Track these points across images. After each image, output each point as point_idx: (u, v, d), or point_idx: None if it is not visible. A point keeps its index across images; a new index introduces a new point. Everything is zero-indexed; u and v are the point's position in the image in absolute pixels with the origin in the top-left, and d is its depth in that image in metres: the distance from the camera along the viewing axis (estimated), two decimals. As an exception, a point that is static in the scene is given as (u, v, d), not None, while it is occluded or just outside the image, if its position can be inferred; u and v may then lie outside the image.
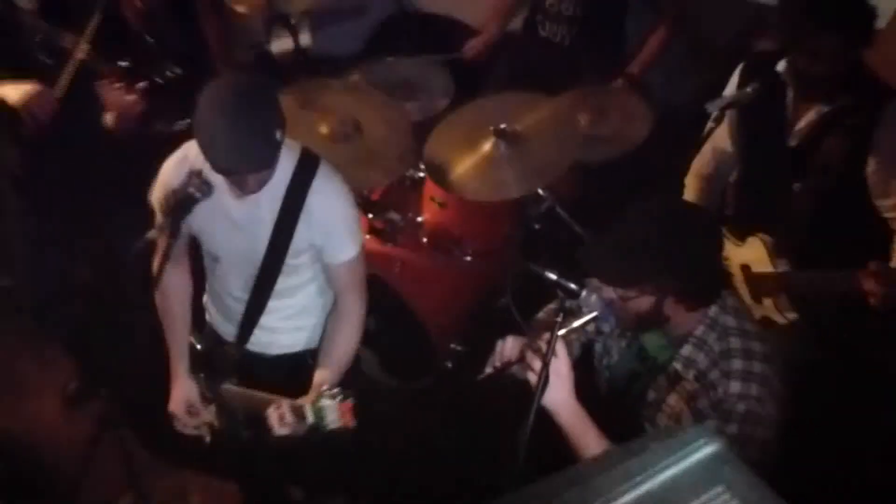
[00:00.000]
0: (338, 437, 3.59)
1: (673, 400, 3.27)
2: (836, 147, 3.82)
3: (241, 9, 5.17)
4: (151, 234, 3.41)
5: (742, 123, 4.13)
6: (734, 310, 3.23)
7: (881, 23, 4.10)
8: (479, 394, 4.53)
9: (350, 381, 3.83)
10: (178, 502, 4.64)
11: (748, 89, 3.90)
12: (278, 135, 3.19)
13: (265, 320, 3.85)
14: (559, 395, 3.17)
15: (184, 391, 3.88)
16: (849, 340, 4.07)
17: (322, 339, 3.88)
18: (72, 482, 4.48)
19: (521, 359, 3.30)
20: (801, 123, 3.94)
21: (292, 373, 3.85)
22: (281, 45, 5.87)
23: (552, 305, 3.69)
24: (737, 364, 3.13)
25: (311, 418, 3.48)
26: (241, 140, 3.11)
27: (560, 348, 3.17)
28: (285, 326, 3.92)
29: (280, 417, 3.55)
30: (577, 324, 3.33)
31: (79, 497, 4.47)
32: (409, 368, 4.80)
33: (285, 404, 3.55)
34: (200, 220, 3.56)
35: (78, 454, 4.51)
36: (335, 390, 3.48)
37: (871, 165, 3.79)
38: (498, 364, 3.39)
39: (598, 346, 3.63)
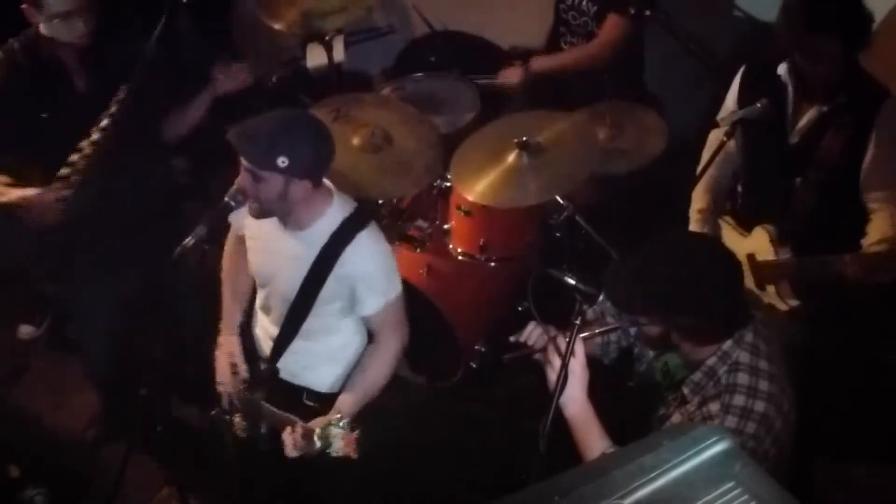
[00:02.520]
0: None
1: (676, 419, 3.27)
2: (834, 144, 3.87)
3: (277, 26, 5.19)
4: (188, 240, 3.55)
5: (747, 132, 4.14)
6: (751, 346, 3.19)
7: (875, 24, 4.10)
8: (501, 391, 4.55)
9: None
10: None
11: (758, 105, 3.92)
12: (280, 160, 3.37)
13: (292, 354, 3.90)
14: (571, 391, 3.21)
15: (228, 344, 4.00)
16: (848, 328, 4.07)
17: (351, 372, 3.93)
18: (115, 476, 4.50)
19: (543, 350, 3.33)
20: (802, 122, 3.99)
21: (315, 404, 3.89)
22: (316, 59, 5.86)
23: (595, 306, 3.67)
24: (739, 400, 3.11)
25: (318, 443, 3.53)
26: (255, 128, 3.43)
27: (578, 348, 3.22)
28: (310, 366, 3.97)
29: (294, 441, 3.62)
30: (597, 331, 3.39)
31: (122, 490, 4.49)
32: (436, 368, 4.80)
33: (299, 428, 3.61)
34: (254, 237, 3.77)
35: (120, 451, 4.56)
36: (345, 421, 3.52)
37: (866, 161, 3.84)
38: (522, 342, 3.46)
39: (636, 352, 3.64)
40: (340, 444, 3.50)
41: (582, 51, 5.10)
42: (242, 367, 3.95)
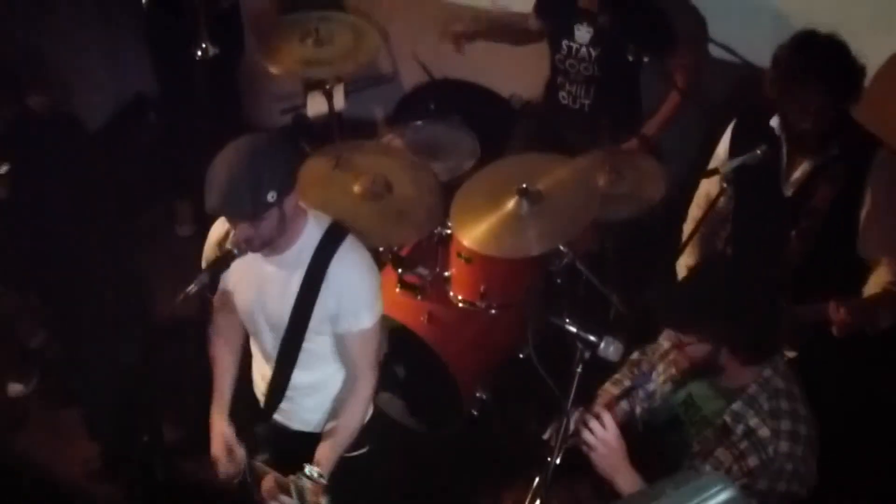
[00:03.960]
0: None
1: (721, 454, 3.23)
2: (827, 195, 3.88)
3: (275, 70, 5.21)
4: (191, 287, 3.42)
5: (739, 176, 4.13)
6: (784, 375, 3.23)
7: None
8: (502, 439, 4.53)
9: (376, 429, 3.85)
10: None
11: (758, 151, 3.93)
12: (269, 196, 3.23)
13: (292, 392, 3.84)
14: (612, 463, 3.18)
15: (220, 430, 3.85)
16: (843, 373, 4.09)
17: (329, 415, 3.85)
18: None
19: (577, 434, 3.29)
20: (797, 174, 4.01)
21: (310, 450, 3.76)
22: (316, 107, 5.88)
23: (617, 376, 3.68)
24: (786, 425, 3.13)
25: (294, 495, 3.53)
26: (228, 186, 3.19)
27: (608, 420, 3.20)
28: (310, 399, 3.90)
29: (268, 491, 3.63)
30: (617, 394, 3.48)
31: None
32: (435, 415, 4.78)
33: (272, 479, 3.61)
34: (236, 280, 3.61)
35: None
36: (315, 471, 3.51)
37: (863, 213, 3.87)
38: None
39: (642, 393, 3.62)
40: (312, 495, 3.50)
41: (673, 101, 5.09)
42: (237, 450, 3.84)
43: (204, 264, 3.63)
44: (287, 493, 3.55)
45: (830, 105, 3.76)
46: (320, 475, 3.49)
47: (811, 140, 3.90)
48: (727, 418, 3.21)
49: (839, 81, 3.73)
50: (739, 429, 3.18)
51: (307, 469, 3.51)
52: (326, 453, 3.63)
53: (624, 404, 3.56)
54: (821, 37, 3.80)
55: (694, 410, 3.38)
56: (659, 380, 3.53)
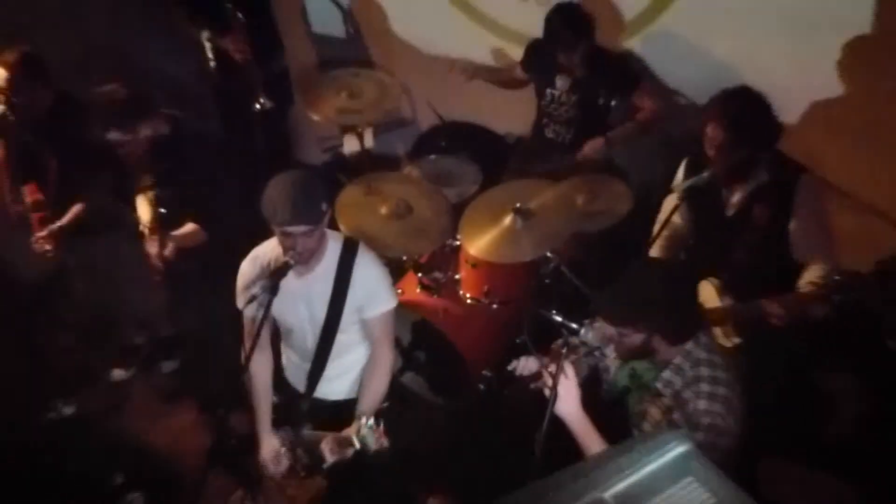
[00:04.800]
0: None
1: (654, 412, 3.33)
2: (763, 213, 3.92)
3: (315, 117, 5.22)
4: (257, 291, 3.53)
5: (692, 205, 4.20)
6: (706, 345, 3.27)
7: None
8: (504, 409, 4.52)
9: (401, 403, 3.89)
10: (276, 493, 4.62)
11: (705, 174, 3.93)
12: (324, 206, 3.47)
13: (330, 373, 3.92)
14: (569, 407, 3.26)
15: (269, 444, 3.95)
16: (780, 357, 4.06)
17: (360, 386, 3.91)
18: (198, 481, 4.49)
19: (539, 377, 3.36)
20: (735, 198, 4.03)
21: (348, 413, 3.83)
22: (351, 146, 5.89)
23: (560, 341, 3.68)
24: (704, 387, 3.19)
25: (357, 445, 3.60)
26: (295, 201, 3.36)
27: (569, 370, 3.28)
28: (342, 377, 3.97)
29: (330, 450, 3.65)
30: (581, 353, 3.49)
31: (203, 493, 4.47)
32: (450, 390, 4.76)
33: (332, 438, 3.65)
34: (278, 301, 3.59)
35: (201, 460, 4.54)
36: (371, 420, 3.59)
37: (793, 226, 3.88)
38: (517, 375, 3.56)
39: (601, 366, 3.66)
40: (374, 437, 3.59)
41: (632, 125, 5.07)
42: (283, 459, 3.92)
43: (239, 293, 3.82)
44: (349, 445, 3.61)
45: (741, 147, 3.81)
46: (377, 421, 3.58)
47: (731, 175, 3.94)
48: (659, 385, 3.29)
49: (749, 130, 3.79)
50: (668, 392, 3.27)
51: (363, 420, 3.61)
52: (366, 409, 3.72)
53: (582, 367, 3.62)
54: (737, 95, 3.87)
55: (637, 381, 3.42)
56: (612, 358, 3.58)
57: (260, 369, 3.96)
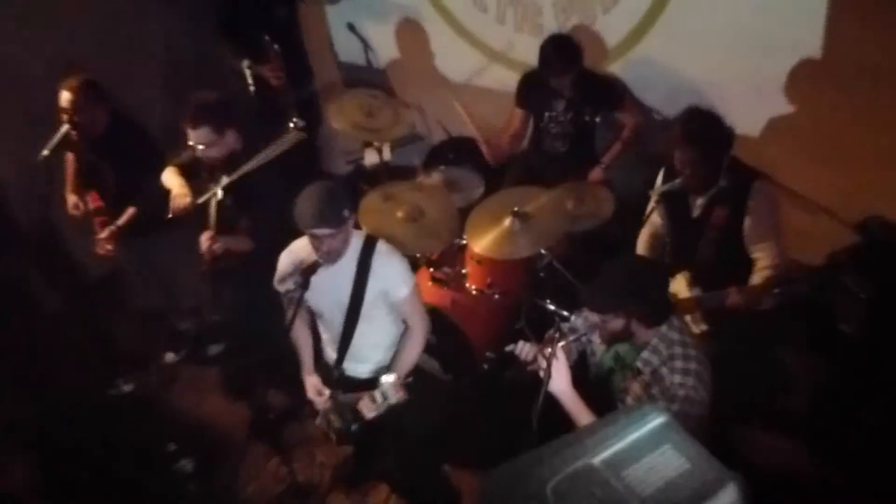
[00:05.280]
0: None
1: (635, 388, 3.34)
2: (722, 215, 3.96)
3: (336, 125, 5.22)
4: (291, 284, 3.79)
5: (666, 208, 4.21)
6: (678, 328, 3.30)
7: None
8: (505, 385, 4.52)
9: (418, 379, 3.93)
10: (307, 459, 4.64)
11: (677, 181, 3.96)
12: (345, 212, 3.55)
13: (355, 351, 3.97)
14: (560, 385, 3.28)
15: (311, 383, 4.01)
16: (743, 336, 4.06)
17: (395, 352, 3.99)
18: (239, 450, 4.52)
19: (535, 360, 3.37)
20: (699, 202, 4.06)
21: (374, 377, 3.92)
22: (371, 158, 5.89)
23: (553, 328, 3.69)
24: (678, 364, 3.22)
25: (379, 399, 3.68)
26: (320, 209, 3.50)
27: (560, 354, 3.30)
28: (367, 357, 4.03)
29: (366, 406, 3.73)
30: (571, 338, 3.44)
31: (245, 461, 4.50)
32: (458, 368, 4.76)
33: (367, 396, 3.72)
34: (313, 288, 3.70)
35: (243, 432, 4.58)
36: (392, 377, 3.68)
37: (746, 225, 3.91)
38: (515, 356, 3.52)
39: (588, 350, 3.65)
40: (393, 390, 3.69)
41: (618, 145, 5.08)
42: (324, 391, 3.98)
43: (278, 281, 3.92)
44: (375, 400, 3.71)
45: (700, 161, 3.86)
46: (396, 378, 3.70)
47: (695, 183, 3.96)
48: (639, 364, 3.31)
49: (705, 147, 3.84)
50: (647, 369, 3.28)
51: (383, 378, 3.73)
52: (396, 369, 3.84)
53: (572, 351, 3.62)
54: (697, 114, 3.92)
55: (620, 361, 3.43)
56: (598, 342, 3.56)
57: (300, 331, 4.08)
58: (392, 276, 3.79)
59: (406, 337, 3.97)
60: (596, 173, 5.01)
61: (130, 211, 4.81)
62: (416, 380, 3.93)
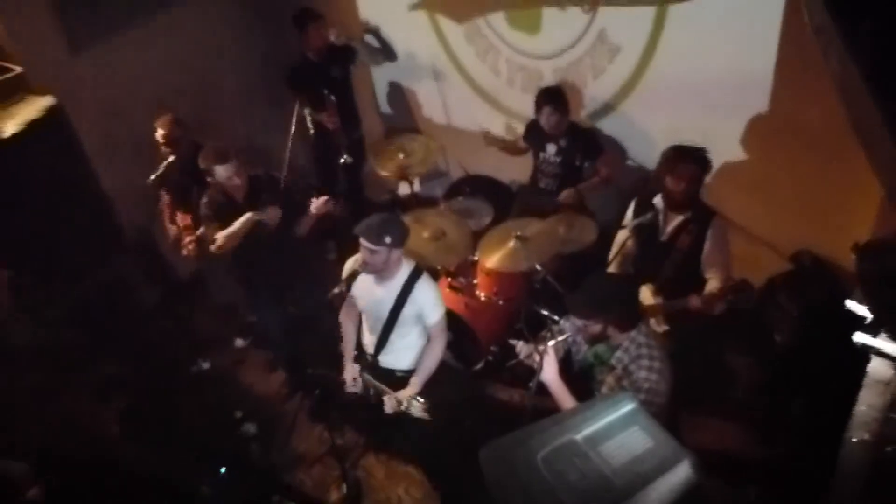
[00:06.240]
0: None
1: (610, 380, 3.33)
2: (685, 241, 3.96)
3: (383, 173, 5.21)
4: (337, 289, 3.72)
5: (638, 234, 4.19)
6: (645, 333, 3.28)
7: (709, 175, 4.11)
8: (506, 373, 4.50)
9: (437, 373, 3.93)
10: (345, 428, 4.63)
11: (649, 215, 4.00)
12: (388, 239, 3.56)
13: (388, 350, 3.96)
14: (550, 375, 3.29)
15: (349, 370, 4.01)
16: (697, 339, 4.06)
17: (418, 360, 3.96)
18: (292, 420, 4.51)
19: (530, 355, 3.41)
20: (668, 228, 4.06)
21: (403, 380, 3.91)
22: (404, 189, 5.89)
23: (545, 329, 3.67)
24: (644, 362, 3.21)
25: (405, 407, 3.73)
26: (374, 229, 3.57)
27: (551, 350, 3.28)
28: (399, 355, 3.99)
29: (389, 404, 3.79)
30: (560, 338, 3.45)
31: (295, 428, 4.49)
32: (469, 359, 4.73)
33: (392, 397, 3.77)
34: (359, 292, 3.83)
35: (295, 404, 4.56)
36: (420, 399, 3.75)
37: (705, 250, 3.92)
38: (520, 357, 3.55)
39: (573, 349, 3.62)
40: (418, 410, 3.70)
41: (595, 180, 4.99)
42: (359, 379, 4.00)
43: (343, 279, 3.83)
44: (400, 405, 3.77)
45: (691, 177, 3.87)
46: (424, 401, 3.75)
47: (682, 199, 3.94)
48: (613, 361, 3.30)
49: (696, 165, 3.85)
50: (619, 366, 3.27)
51: (414, 397, 3.76)
52: (419, 381, 3.84)
53: (560, 349, 3.57)
54: (687, 145, 3.93)
55: (599, 358, 3.40)
56: (581, 342, 3.53)
57: (347, 324, 4.10)
58: (428, 304, 3.80)
59: (428, 349, 3.94)
60: (567, 194, 4.93)
61: (203, 227, 4.81)
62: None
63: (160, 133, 4.66)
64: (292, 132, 4.86)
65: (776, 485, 3.92)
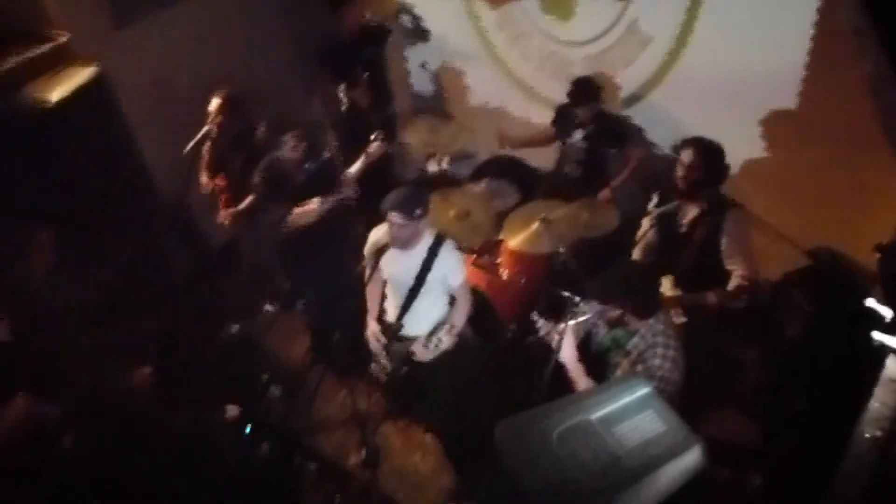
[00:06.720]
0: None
1: (625, 365, 3.35)
2: (702, 233, 3.94)
3: (407, 140, 5.26)
4: (365, 262, 3.86)
5: (659, 224, 4.21)
6: (663, 321, 3.31)
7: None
8: (524, 350, 4.56)
9: (461, 342, 4.03)
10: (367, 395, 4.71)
11: (670, 205, 3.99)
12: (417, 211, 3.64)
13: (412, 315, 4.02)
14: (568, 354, 3.31)
15: (372, 327, 4.14)
16: (708, 331, 4.06)
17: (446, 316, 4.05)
18: (317, 382, 4.63)
19: (549, 333, 3.52)
20: (686, 220, 4.05)
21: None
22: (432, 168, 5.93)
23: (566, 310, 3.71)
24: (659, 350, 3.23)
25: (433, 343, 3.90)
26: (401, 201, 3.62)
27: (570, 330, 3.32)
28: (423, 320, 4.06)
29: (419, 350, 3.92)
30: (580, 319, 3.48)
31: (319, 390, 4.57)
32: (488, 335, 4.78)
33: (422, 342, 3.90)
34: (387, 262, 3.87)
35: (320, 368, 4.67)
36: (445, 330, 3.95)
37: (722, 242, 3.89)
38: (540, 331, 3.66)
39: (593, 331, 3.66)
40: (447, 339, 3.94)
41: (624, 175, 5.06)
42: (381, 337, 4.09)
43: (367, 253, 3.98)
44: (429, 345, 3.92)
45: (691, 164, 3.89)
46: (448, 330, 3.93)
47: (685, 188, 3.96)
48: (629, 346, 3.32)
49: (696, 153, 3.89)
50: (635, 351, 3.30)
51: (437, 330, 3.91)
52: (453, 325, 4.01)
53: (580, 330, 3.62)
54: (704, 138, 3.96)
55: (616, 342, 3.44)
56: (601, 325, 3.57)
57: (372, 289, 4.14)
58: (452, 267, 3.87)
59: (455, 307, 4.05)
60: (605, 194, 5.00)
61: (250, 199, 4.90)
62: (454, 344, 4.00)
63: (215, 103, 4.73)
64: (334, 109, 4.91)
65: (779, 476, 3.96)
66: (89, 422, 3.79)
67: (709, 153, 3.89)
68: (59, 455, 3.60)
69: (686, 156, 3.89)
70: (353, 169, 4.58)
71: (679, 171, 3.94)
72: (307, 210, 4.36)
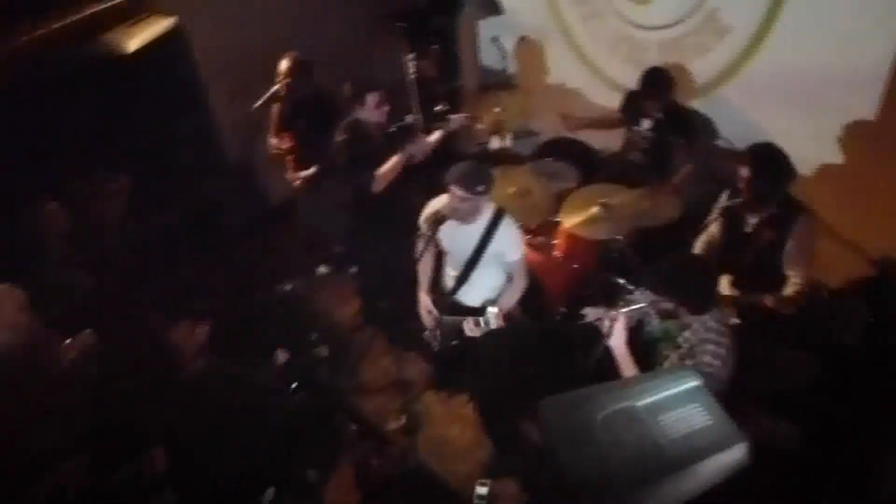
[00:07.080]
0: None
1: (674, 357, 3.30)
2: (768, 235, 3.83)
3: (479, 126, 5.24)
4: (423, 231, 3.87)
5: (724, 221, 4.08)
6: (718, 319, 3.23)
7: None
8: (572, 333, 4.53)
9: (510, 321, 3.99)
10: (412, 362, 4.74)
11: (738, 200, 3.86)
12: (480, 188, 3.61)
13: (468, 287, 4.04)
14: (618, 341, 3.30)
15: (424, 302, 4.12)
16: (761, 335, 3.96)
17: (500, 293, 4.04)
18: (365, 344, 4.74)
19: (600, 319, 3.43)
20: (752, 221, 3.92)
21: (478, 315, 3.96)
22: (495, 144, 5.90)
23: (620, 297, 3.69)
24: (710, 347, 3.17)
25: (482, 323, 3.82)
26: (462, 175, 3.61)
27: (622, 318, 3.29)
28: (478, 291, 4.07)
29: (469, 327, 3.85)
30: (634, 307, 3.44)
31: (367, 351, 4.62)
32: (536, 315, 4.76)
33: (472, 320, 3.84)
34: (445, 233, 3.86)
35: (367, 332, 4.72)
36: (496, 308, 3.84)
37: (788, 247, 3.77)
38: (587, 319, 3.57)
39: (645, 320, 3.61)
40: (495, 320, 3.83)
41: (689, 168, 4.92)
42: (434, 311, 4.08)
43: (423, 224, 3.91)
44: (479, 324, 3.86)
45: (759, 187, 3.73)
46: (498, 310, 3.84)
47: (750, 202, 3.83)
48: (680, 339, 3.28)
49: (766, 176, 3.72)
50: (686, 345, 3.24)
51: (489, 308, 3.85)
52: (503, 305, 3.95)
53: (632, 318, 3.56)
54: (768, 148, 3.78)
55: (667, 334, 3.40)
56: (654, 316, 3.53)
57: (426, 260, 4.14)
58: (510, 243, 3.86)
59: (510, 285, 4.03)
60: (670, 183, 4.91)
61: (314, 169, 4.95)
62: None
63: (285, 65, 4.79)
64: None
65: (817, 480, 3.89)
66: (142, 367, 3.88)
67: (766, 167, 3.73)
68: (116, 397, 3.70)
69: (744, 171, 3.79)
70: (433, 137, 4.60)
71: (740, 183, 3.84)
72: (392, 166, 4.40)
